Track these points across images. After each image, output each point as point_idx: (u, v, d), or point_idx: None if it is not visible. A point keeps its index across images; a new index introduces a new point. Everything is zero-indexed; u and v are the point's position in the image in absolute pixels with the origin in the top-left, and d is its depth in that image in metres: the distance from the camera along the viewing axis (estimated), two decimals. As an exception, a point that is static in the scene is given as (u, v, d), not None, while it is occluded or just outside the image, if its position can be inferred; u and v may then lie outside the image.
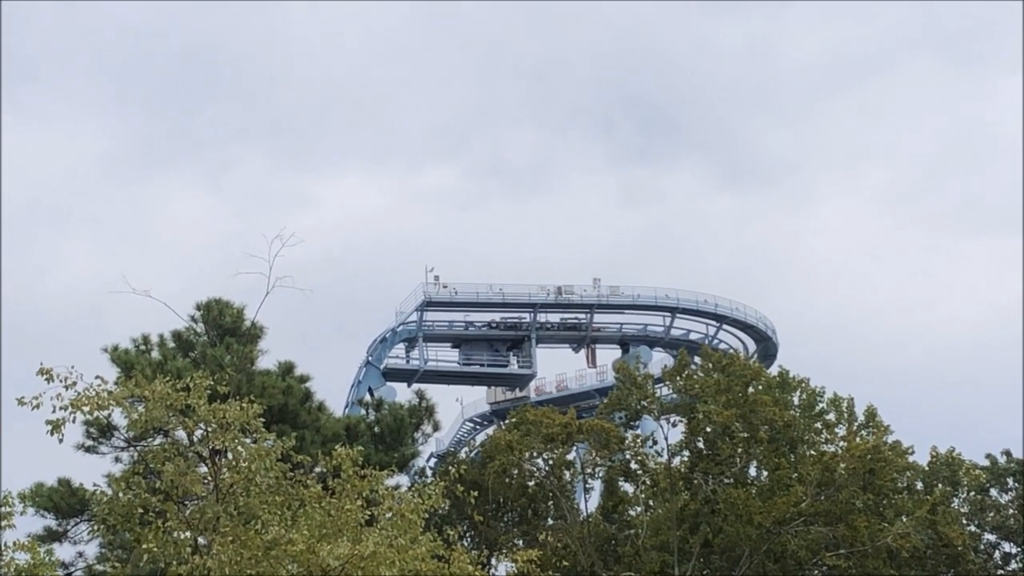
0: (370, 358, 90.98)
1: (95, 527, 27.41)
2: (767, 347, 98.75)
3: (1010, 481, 58.67)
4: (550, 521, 51.30)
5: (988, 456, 59.49)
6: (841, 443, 51.22)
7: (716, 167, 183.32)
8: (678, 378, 51.04)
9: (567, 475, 51.24)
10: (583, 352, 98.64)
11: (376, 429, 45.34)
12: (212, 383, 23.47)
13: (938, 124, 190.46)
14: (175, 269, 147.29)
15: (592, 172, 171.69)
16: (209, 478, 23.96)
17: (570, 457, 51.37)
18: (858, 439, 51.16)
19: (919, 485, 54.64)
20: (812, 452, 50.78)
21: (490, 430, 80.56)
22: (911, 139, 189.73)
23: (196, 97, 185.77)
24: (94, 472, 39.44)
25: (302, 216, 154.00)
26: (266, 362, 43.36)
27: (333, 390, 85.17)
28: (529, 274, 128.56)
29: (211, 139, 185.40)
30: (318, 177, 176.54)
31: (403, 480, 45.41)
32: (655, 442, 50.95)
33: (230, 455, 23.56)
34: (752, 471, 51.74)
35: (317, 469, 27.90)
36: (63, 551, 41.24)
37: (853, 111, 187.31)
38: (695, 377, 50.80)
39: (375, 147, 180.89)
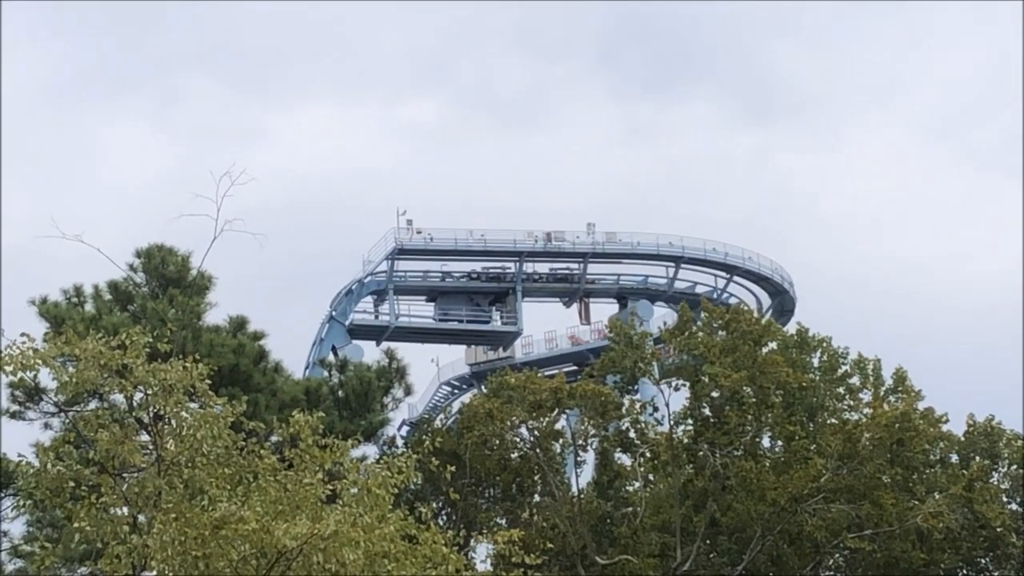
0: (334, 313, 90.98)
1: (20, 503, 27.48)
2: (783, 302, 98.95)
3: (1056, 454, 58.97)
4: (536, 498, 51.48)
5: (1032, 425, 59.77)
6: (866, 410, 51.41)
7: (732, 99, 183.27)
8: (679, 336, 51.09)
9: (556, 446, 51.38)
10: (575, 307, 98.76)
11: (340, 393, 45.34)
12: (152, 340, 23.45)
13: (981, 52, 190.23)
14: (116, 212, 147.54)
15: (592, 105, 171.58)
16: (150, 448, 23.98)
17: (559, 426, 51.48)
18: (885, 406, 51.34)
19: (953, 458, 54.88)
20: (833, 420, 50.99)
21: (469, 395, 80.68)
22: (951, 69, 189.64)
23: (139, 18, 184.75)
24: (20, 441, 39.50)
25: (261, 153, 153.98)
26: (215, 317, 43.29)
27: (292, 349, 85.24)
28: (519, 220, 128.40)
29: (157, 66, 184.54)
30: (279, 110, 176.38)
31: (371, 451, 45.54)
32: (656, 409, 51.07)
33: (173, 422, 23.55)
34: (765, 442, 51.94)
35: (273, 438, 27.92)
36: (-15, 529, 41.29)
37: (887, 36, 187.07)
38: (697, 336, 50.83)
39: (345, 76, 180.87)
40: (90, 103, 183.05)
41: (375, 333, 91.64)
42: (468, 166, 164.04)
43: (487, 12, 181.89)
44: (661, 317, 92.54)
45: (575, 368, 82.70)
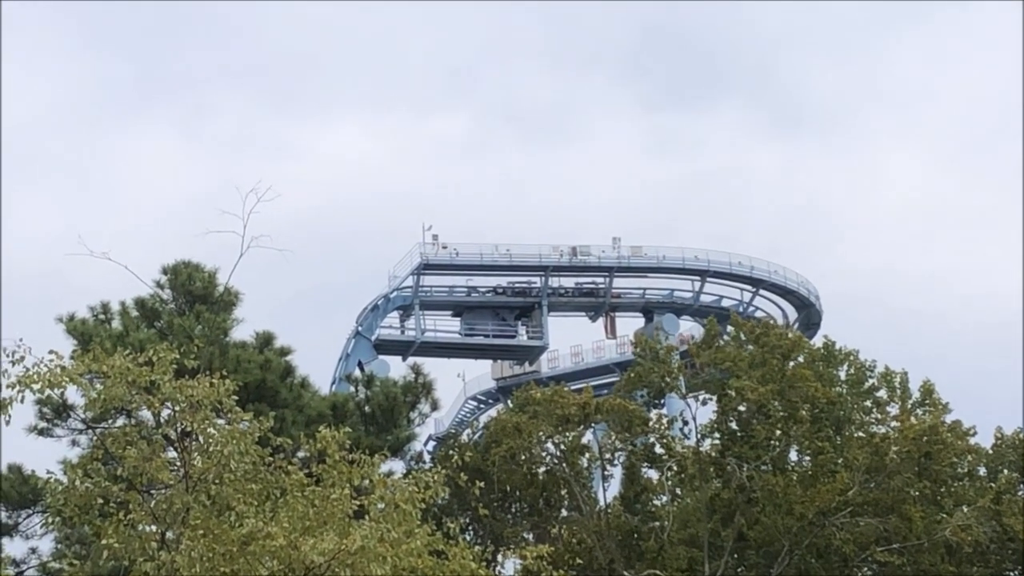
0: (360, 328, 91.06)
1: (49, 520, 27.57)
2: (809, 315, 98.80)
3: (1086, 466, 58.66)
4: (564, 513, 51.40)
5: (1061, 438, 59.47)
6: (893, 423, 51.24)
7: (760, 112, 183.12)
8: (707, 350, 51.00)
9: (583, 461, 51.31)
10: (601, 321, 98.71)
11: (366, 408, 45.38)
12: (179, 356, 23.47)
13: (1008, 65, 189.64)
14: (145, 228, 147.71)
15: (619, 118, 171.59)
16: (177, 464, 24.00)
17: (586, 440, 51.42)
18: (913, 419, 51.17)
19: (982, 471, 54.60)
20: (860, 434, 50.81)
21: (496, 409, 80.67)
22: (981, 83, 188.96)
23: (170, 33, 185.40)
24: (48, 458, 39.50)
25: (288, 168, 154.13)
26: (242, 333, 43.41)
27: (318, 365, 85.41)
28: (545, 234, 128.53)
29: (185, 82, 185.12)
30: (307, 124, 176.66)
31: (397, 466, 45.54)
32: (685, 422, 50.99)
33: (200, 438, 23.56)
34: (792, 455, 51.78)
35: (300, 454, 27.94)
36: (14, 547, 41.43)
37: (918, 49, 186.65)
38: (726, 350, 50.75)
39: (372, 91, 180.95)
40: (119, 119, 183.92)
41: (401, 348, 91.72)
42: (495, 179, 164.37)
43: (514, 25, 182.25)
44: (687, 331, 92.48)
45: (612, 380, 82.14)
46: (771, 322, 55.48)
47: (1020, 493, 53.92)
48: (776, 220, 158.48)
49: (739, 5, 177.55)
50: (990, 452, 55.31)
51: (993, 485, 51.65)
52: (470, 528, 48.86)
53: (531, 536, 48.78)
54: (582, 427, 50.71)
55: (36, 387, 22.41)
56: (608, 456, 51.60)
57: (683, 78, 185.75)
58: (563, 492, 51.20)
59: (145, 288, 40.86)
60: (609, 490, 52.79)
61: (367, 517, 23.05)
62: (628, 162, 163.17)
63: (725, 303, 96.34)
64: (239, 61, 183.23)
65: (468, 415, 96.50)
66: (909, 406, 53.26)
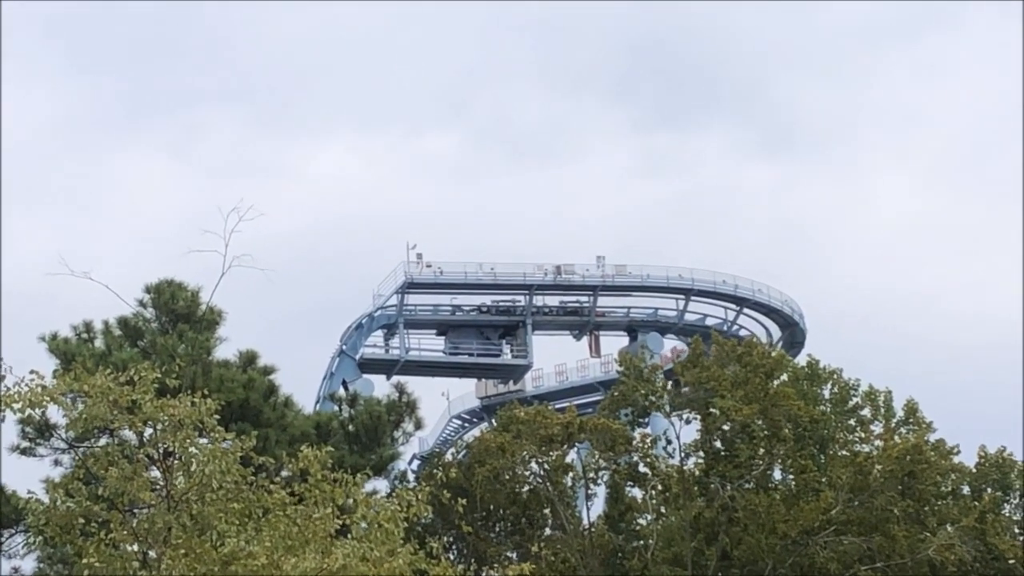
0: (344, 347, 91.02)
1: (31, 539, 27.42)
2: (793, 334, 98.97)
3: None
4: (547, 531, 51.42)
5: (1044, 457, 59.60)
6: (877, 442, 51.38)
7: (750, 132, 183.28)
8: (691, 370, 51.08)
9: (567, 480, 51.32)
10: (585, 340, 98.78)
11: (350, 427, 45.36)
12: (161, 375, 23.46)
13: (1001, 86, 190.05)
14: (133, 249, 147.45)
15: (608, 138, 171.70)
16: (159, 484, 23.97)
17: (569, 459, 51.45)
18: (896, 438, 51.32)
19: (965, 490, 54.77)
20: (844, 452, 50.96)
21: (480, 428, 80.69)
22: (970, 103, 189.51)
23: (160, 54, 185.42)
24: (30, 477, 39.47)
25: (278, 188, 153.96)
26: (225, 352, 43.38)
27: (302, 384, 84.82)
28: (535, 254, 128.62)
29: (175, 101, 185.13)
30: (297, 144, 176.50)
31: (381, 485, 45.50)
32: (669, 441, 51.04)
33: (182, 458, 23.53)
34: (776, 474, 51.87)
35: (283, 473, 27.92)
36: (-4, 566, 41.30)
37: (906, 70, 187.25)
38: (710, 369, 50.82)
39: (363, 111, 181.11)
40: (108, 138, 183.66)
41: (385, 367, 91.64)
42: (485, 200, 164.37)
43: (505, 46, 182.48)
44: (679, 346, 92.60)
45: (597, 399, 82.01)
46: (754, 340, 55.53)
47: (1004, 512, 54.05)
48: (767, 239, 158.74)
49: (730, 25, 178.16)
50: (974, 471, 55.45)
51: (977, 504, 51.77)
52: (453, 547, 48.86)
53: (514, 555, 48.77)
54: (565, 446, 50.75)
55: (17, 407, 22.40)
56: (592, 475, 51.63)
57: (674, 98, 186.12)
58: (547, 511, 51.24)
59: (128, 308, 40.87)
60: (593, 509, 52.84)
61: (349, 536, 23.04)
62: (619, 182, 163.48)
63: (709, 321, 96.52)
64: (229, 82, 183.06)
65: (452, 434, 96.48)
66: (893, 425, 53.42)
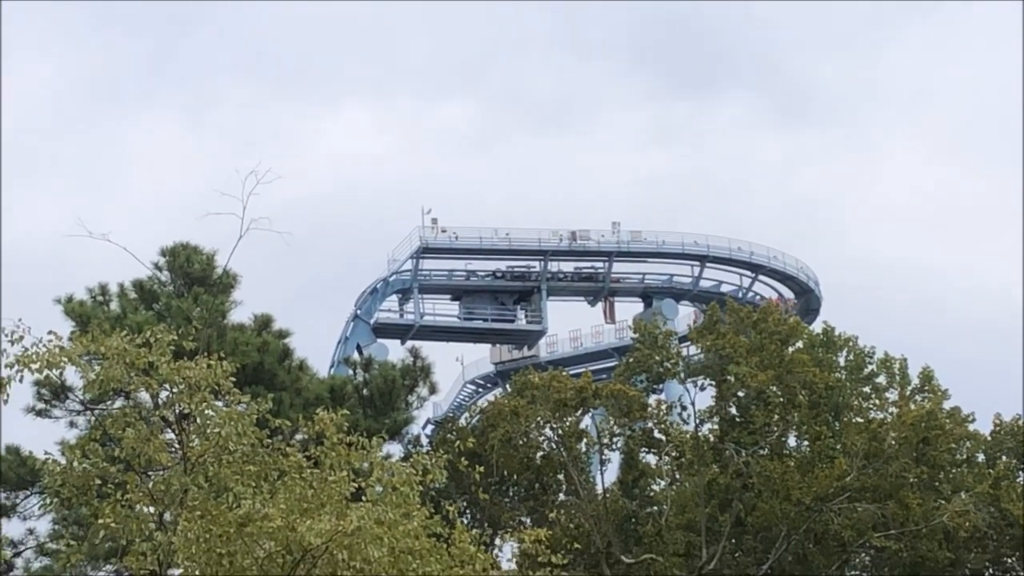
0: (359, 312, 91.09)
1: (47, 500, 27.59)
2: (808, 301, 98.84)
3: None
4: (561, 497, 51.49)
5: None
6: (892, 409, 51.36)
7: (764, 104, 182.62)
8: (707, 336, 51.03)
9: (581, 445, 51.36)
10: (600, 306, 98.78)
11: (365, 392, 45.48)
12: (176, 338, 23.50)
13: (1016, 60, 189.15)
14: (151, 213, 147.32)
15: (625, 106, 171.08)
16: (175, 446, 24.04)
17: (584, 425, 51.48)
18: (911, 405, 51.27)
19: (980, 457, 54.73)
20: (859, 419, 50.93)
21: (494, 394, 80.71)
22: (984, 76, 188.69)
23: (176, 21, 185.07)
24: (46, 439, 39.62)
25: (294, 155, 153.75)
26: (240, 315, 43.48)
27: (317, 348, 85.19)
28: (550, 221, 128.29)
29: (191, 69, 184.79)
30: (314, 111, 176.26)
31: (395, 449, 45.62)
32: (684, 408, 51.04)
33: (198, 420, 23.59)
34: (790, 441, 51.89)
35: (298, 436, 27.99)
36: (12, 527, 41.49)
37: (921, 43, 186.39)
38: (725, 335, 50.76)
39: (379, 78, 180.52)
40: (125, 105, 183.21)
41: (400, 332, 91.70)
42: (500, 168, 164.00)
43: (521, 13, 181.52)
44: (687, 316, 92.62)
45: (611, 365, 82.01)
46: (771, 304, 55.44)
47: (1018, 479, 54.04)
48: (780, 210, 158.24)
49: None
50: (989, 438, 55.41)
51: (991, 471, 51.74)
52: (467, 512, 48.95)
53: (529, 520, 48.85)
54: (580, 412, 50.76)
55: (35, 367, 22.45)
56: (606, 441, 51.65)
57: (689, 68, 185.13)
58: (560, 476, 51.28)
59: (144, 270, 40.96)
60: (607, 475, 52.88)
61: (364, 499, 23.09)
62: (634, 151, 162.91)
63: (724, 288, 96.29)
64: (246, 51, 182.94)
65: (466, 399, 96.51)
66: (908, 392, 53.35)
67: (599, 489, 51.47)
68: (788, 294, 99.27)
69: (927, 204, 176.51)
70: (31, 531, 41.97)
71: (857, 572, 53.48)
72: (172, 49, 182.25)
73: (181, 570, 22.77)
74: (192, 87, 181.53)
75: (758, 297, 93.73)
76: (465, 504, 48.18)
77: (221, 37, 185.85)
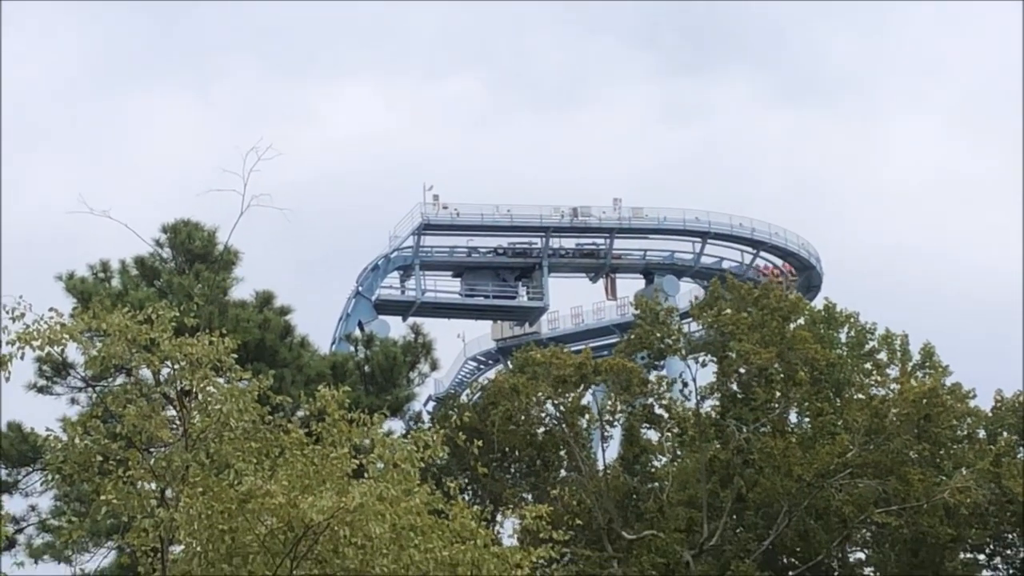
0: (360, 288, 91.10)
1: (49, 477, 27.62)
2: (810, 277, 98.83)
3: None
4: (563, 473, 51.53)
5: (1061, 400, 59.49)
6: (893, 386, 51.32)
7: (771, 80, 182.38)
8: (708, 313, 51.03)
9: (582, 422, 51.39)
10: (602, 282, 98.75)
11: (366, 368, 45.47)
12: (178, 314, 23.51)
13: (1017, 33, 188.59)
14: (153, 190, 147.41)
15: (630, 83, 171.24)
16: (176, 422, 24.07)
17: (585, 402, 51.50)
18: (913, 381, 51.26)
19: (981, 433, 54.70)
20: (860, 396, 50.93)
21: (495, 370, 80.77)
22: (991, 53, 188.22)
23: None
24: (48, 415, 39.70)
25: (300, 132, 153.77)
26: (241, 292, 43.46)
27: (319, 325, 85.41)
28: (554, 197, 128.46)
29: (197, 46, 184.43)
30: (319, 89, 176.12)
31: (397, 425, 45.63)
32: (685, 384, 51.06)
33: (200, 397, 23.62)
34: (792, 417, 51.92)
35: (299, 412, 28.03)
36: (13, 504, 41.53)
37: (929, 19, 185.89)
38: (725, 312, 50.75)
39: (384, 54, 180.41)
40: (131, 83, 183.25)
41: (401, 308, 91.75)
42: (505, 144, 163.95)
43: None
44: (688, 293, 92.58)
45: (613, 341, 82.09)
46: (772, 281, 55.45)
47: (1019, 456, 54.02)
48: (785, 188, 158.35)
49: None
50: (990, 415, 55.40)
51: (992, 448, 51.72)
52: (469, 488, 49.00)
53: (530, 496, 48.90)
54: (581, 388, 50.77)
55: (36, 344, 22.48)
56: (608, 417, 51.66)
57: (695, 45, 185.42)
58: (562, 453, 51.31)
59: (145, 247, 40.94)
60: (608, 451, 52.89)
61: (366, 476, 23.12)
62: (639, 128, 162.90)
63: (726, 265, 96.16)
64: (251, 28, 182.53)
65: (468, 376, 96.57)
66: (909, 368, 53.37)
67: (600, 465, 51.50)
68: (778, 262, 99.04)
69: (934, 182, 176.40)
70: (33, 507, 42.03)
71: (858, 548, 53.53)
72: (176, 26, 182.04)
73: (183, 546, 22.82)
74: (197, 64, 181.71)
75: (760, 272, 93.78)
76: (467, 481, 48.24)
77: (226, 13, 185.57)
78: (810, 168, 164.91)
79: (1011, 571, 55.27)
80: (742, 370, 50.05)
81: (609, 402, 51.25)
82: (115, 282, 42.43)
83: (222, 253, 42.34)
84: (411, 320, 76.65)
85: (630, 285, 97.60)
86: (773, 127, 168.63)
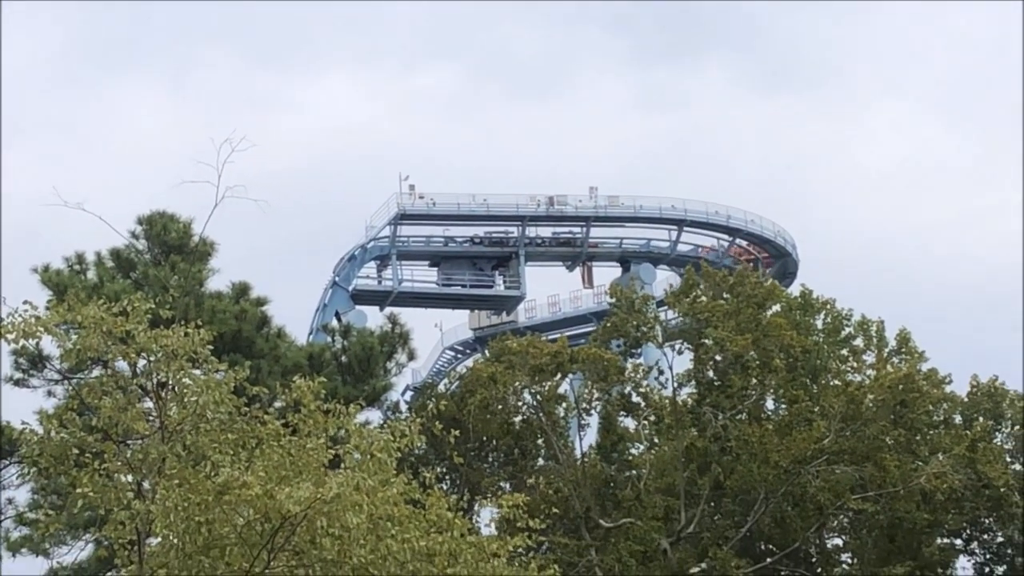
0: (337, 279, 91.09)
1: (25, 470, 27.51)
2: (785, 264, 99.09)
3: (1060, 414, 58.94)
4: (540, 462, 51.57)
5: (1035, 386, 59.71)
6: (869, 372, 51.49)
7: (748, 67, 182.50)
8: (684, 300, 51.11)
9: (559, 410, 51.44)
10: (578, 271, 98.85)
11: (343, 359, 45.46)
12: (153, 306, 23.48)
13: (1001, 23, 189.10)
14: (127, 181, 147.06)
15: (606, 72, 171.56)
16: (153, 414, 24.04)
17: (562, 390, 51.54)
18: (889, 367, 51.42)
19: (957, 419, 54.95)
20: (836, 382, 51.06)
21: (473, 359, 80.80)
22: (969, 40, 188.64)
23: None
24: (24, 408, 39.56)
25: (275, 122, 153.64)
26: (217, 283, 43.40)
27: (295, 316, 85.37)
28: (532, 186, 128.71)
29: (171, 36, 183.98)
30: (294, 79, 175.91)
31: (374, 416, 45.62)
32: (661, 372, 51.13)
33: (176, 388, 23.60)
34: (768, 404, 52.04)
35: (276, 403, 28.00)
36: (-9, 497, 41.43)
37: (904, 4, 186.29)
38: (700, 300, 50.83)
39: (359, 44, 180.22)
40: (104, 73, 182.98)
41: (378, 298, 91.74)
42: (482, 133, 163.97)
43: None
44: (664, 280, 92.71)
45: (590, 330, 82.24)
46: (746, 268, 55.53)
47: (995, 441, 54.30)
48: (763, 175, 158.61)
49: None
50: (965, 400, 55.64)
51: (968, 433, 51.97)
52: (447, 477, 49.03)
53: (508, 485, 48.94)
54: (558, 376, 50.82)
55: (11, 337, 22.44)
56: (584, 405, 51.73)
57: (673, 32, 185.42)
58: (540, 441, 51.37)
59: (121, 239, 40.84)
60: (585, 439, 52.97)
61: (343, 466, 23.12)
62: (617, 116, 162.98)
63: (701, 252, 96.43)
64: (225, 18, 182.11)
65: (445, 365, 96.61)
66: (885, 355, 53.50)
67: (578, 454, 51.57)
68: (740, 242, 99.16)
69: (911, 168, 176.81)
70: (10, 501, 41.94)
71: (835, 534, 53.71)
72: (153, 16, 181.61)
73: (159, 538, 22.79)
74: (173, 55, 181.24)
75: (734, 257, 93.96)
76: (444, 470, 48.27)
77: (203, 4, 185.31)
78: (787, 155, 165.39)
79: (988, 555, 55.58)
80: (718, 357, 50.16)
81: (586, 390, 51.32)
82: (91, 274, 42.35)
83: (198, 244, 42.27)
84: (388, 310, 76.55)
85: (607, 273, 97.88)
86: (750, 114, 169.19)
